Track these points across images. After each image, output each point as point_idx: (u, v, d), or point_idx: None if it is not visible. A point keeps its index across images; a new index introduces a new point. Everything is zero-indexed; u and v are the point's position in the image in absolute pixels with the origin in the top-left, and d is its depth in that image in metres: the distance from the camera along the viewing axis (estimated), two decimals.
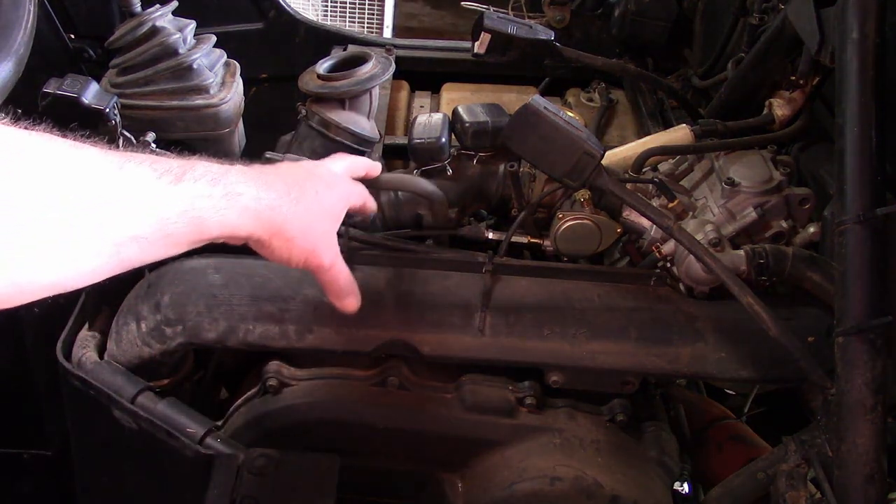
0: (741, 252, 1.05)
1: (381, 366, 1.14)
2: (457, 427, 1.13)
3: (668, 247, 1.12)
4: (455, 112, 1.25)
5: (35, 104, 1.09)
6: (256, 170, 0.80)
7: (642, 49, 1.77)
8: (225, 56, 1.34)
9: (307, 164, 0.93)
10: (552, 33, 1.37)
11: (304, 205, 0.83)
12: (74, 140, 0.63)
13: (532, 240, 1.21)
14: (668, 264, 1.12)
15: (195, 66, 1.24)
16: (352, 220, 1.17)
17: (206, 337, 1.09)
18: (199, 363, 1.24)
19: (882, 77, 0.89)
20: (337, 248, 0.90)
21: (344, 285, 0.93)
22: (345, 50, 1.58)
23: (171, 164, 0.69)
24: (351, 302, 0.95)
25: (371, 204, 1.01)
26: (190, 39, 1.27)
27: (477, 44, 1.33)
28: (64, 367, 1.11)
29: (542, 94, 1.68)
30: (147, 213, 0.66)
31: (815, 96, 1.25)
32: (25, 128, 0.61)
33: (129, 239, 0.64)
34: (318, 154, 1.22)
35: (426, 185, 1.18)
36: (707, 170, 1.20)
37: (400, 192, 1.22)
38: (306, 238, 0.84)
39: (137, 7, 1.24)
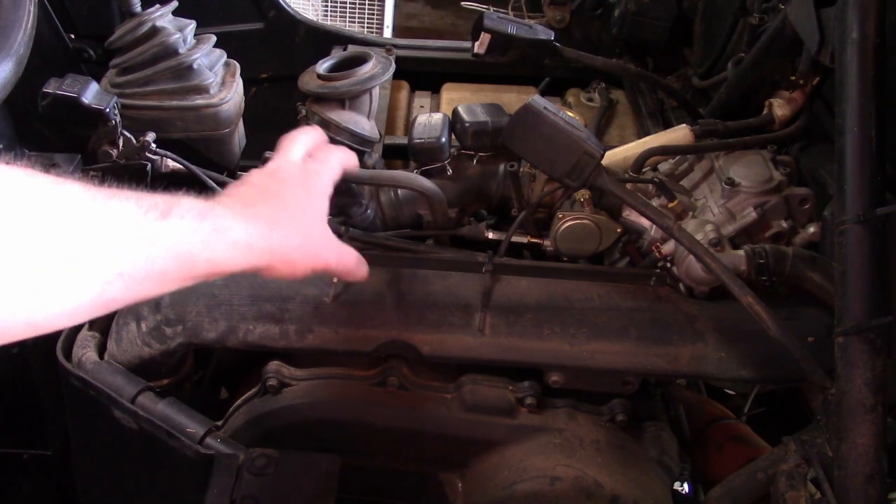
0: (741, 252, 1.05)
1: (381, 366, 1.14)
2: (457, 427, 1.13)
3: (668, 247, 1.12)
4: (455, 112, 1.25)
5: (35, 104, 1.09)
6: (239, 201, 0.78)
7: (642, 49, 1.77)
8: (225, 56, 1.34)
9: (276, 173, 0.89)
10: (552, 33, 1.37)
11: (293, 222, 0.82)
12: (59, 177, 0.62)
13: (532, 240, 1.21)
14: (668, 264, 1.12)
15: (195, 66, 1.24)
16: (351, 221, 1.17)
17: (206, 337, 1.09)
18: (199, 363, 1.24)
19: (882, 77, 0.89)
20: (336, 242, 0.90)
21: (352, 268, 0.93)
22: (345, 50, 1.58)
23: (157, 199, 0.68)
24: (362, 271, 0.95)
25: (349, 162, 1.00)
26: (190, 39, 1.27)
27: (477, 44, 1.33)
28: (64, 367, 1.11)
29: (542, 94, 1.68)
30: (133, 249, 0.64)
31: (815, 96, 1.25)
32: (6, 163, 0.59)
33: (115, 276, 0.63)
34: None
35: (425, 182, 1.18)
36: (707, 170, 1.20)
37: (400, 192, 1.22)
38: (305, 251, 0.83)
39: (137, 7, 1.24)
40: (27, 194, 0.59)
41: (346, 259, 0.92)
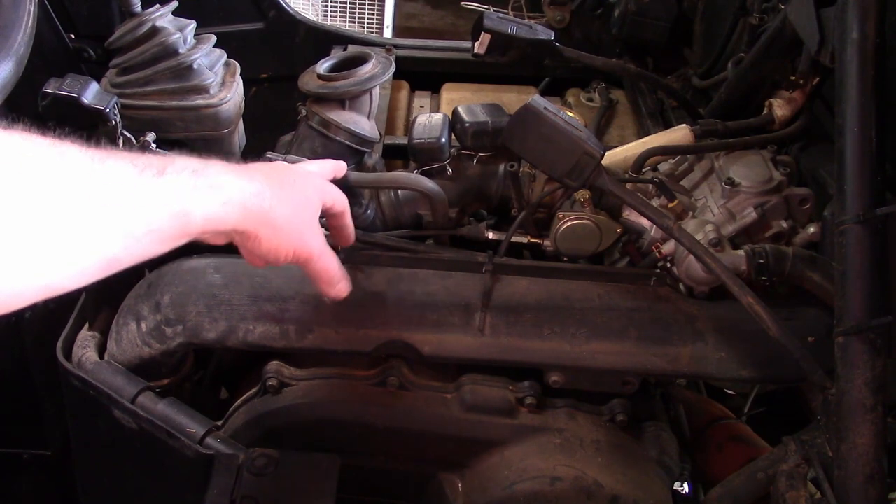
0: (741, 252, 1.05)
1: (381, 366, 1.14)
2: (457, 427, 1.13)
3: (668, 247, 1.12)
4: (455, 112, 1.25)
5: (35, 104, 1.09)
6: (235, 164, 0.79)
7: (642, 49, 1.77)
8: (225, 56, 1.33)
9: (278, 164, 0.93)
10: (552, 33, 1.37)
11: (286, 194, 0.83)
12: (56, 138, 0.62)
13: (532, 240, 1.21)
14: (668, 264, 1.12)
15: (195, 66, 1.24)
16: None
17: (206, 337, 1.09)
18: (199, 363, 1.24)
19: (882, 77, 0.89)
20: (322, 237, 0.90)
21: (334, 272, 0.93)
22: (345, 50, 1.58)
23: (152, 159, 0.68)
24: (342, 287, 0.96)
25: (346, 212, 0.99)
26: (190, 39, 1.27)
27: (477, 44, 1.33)
28: (64, 367, 1.11)
29: (542, 94, 1.68)
30: (131, 208, 0.65)
31: (815, 96, 1.25)
32: (4, 128, 0.59)
33: (116, 236, 0.64)
34: (318, 154, 1.22)
35: (426, 182, 1.18)
36: (707, 170, 1.20)
37: (400, 192, 1.22)
38: (292, 226, 0.83)
39: (137, 7, 1.24)
40: (28, 157, 0.59)
41: (329, 258, 0.91)
